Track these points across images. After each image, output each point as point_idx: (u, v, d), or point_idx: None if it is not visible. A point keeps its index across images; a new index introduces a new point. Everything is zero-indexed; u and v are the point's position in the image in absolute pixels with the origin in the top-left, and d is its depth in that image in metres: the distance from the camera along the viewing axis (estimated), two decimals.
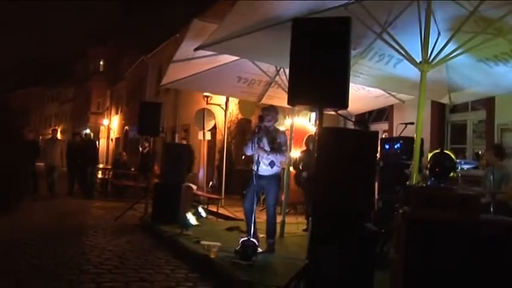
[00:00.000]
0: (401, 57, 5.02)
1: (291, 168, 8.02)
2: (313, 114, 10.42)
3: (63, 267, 4.87)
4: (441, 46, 4.75)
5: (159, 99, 17.58)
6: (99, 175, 15.57)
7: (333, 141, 3.78)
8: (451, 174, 4.75)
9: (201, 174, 14.15)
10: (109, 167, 18.42)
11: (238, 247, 4.99)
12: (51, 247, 5.86)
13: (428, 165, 4.27)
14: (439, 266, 2.99)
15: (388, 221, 4.53)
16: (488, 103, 8.26)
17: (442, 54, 4.73)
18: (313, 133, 7.68)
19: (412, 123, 6.04)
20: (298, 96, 3.83)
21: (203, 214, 8.49)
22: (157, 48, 22.68)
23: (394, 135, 7.78)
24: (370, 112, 10.97)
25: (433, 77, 5.61)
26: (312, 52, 3.74)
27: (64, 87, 48.55)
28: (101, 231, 7.30)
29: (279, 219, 6.35)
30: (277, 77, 7.38)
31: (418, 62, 4.72)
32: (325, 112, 3.94)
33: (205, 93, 13.67)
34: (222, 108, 14.19)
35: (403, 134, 6.54)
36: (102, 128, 38.09)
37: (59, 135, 14.98)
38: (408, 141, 6.43)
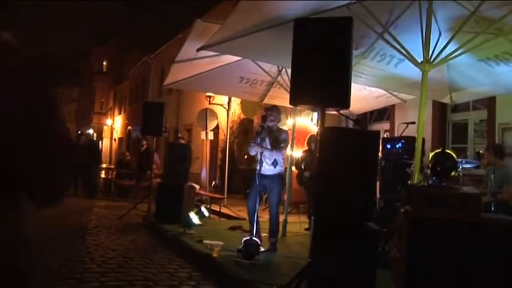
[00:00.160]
0: (402, 57, 5.03)
1: (293, 168, 8.04)
2: (315, 114, 10.41)
3: (67, 266, 4.91)
4: (442, 46, 4.77)
5: (162, 100, 17.57)
6: (103, 175, 15.63)
7: (334, 141, 3.81)
8: (453, 173, 4.75)
9: (204, 173, 14.17)
10: (112, 166, 18.47)
11: (241, 246, 5.02)
12: (55, 246, 5.90)
13: (430, 165, 4.28)
14: (441, 264, 3.01)
15: (389, 220, 4.54)
16: (489, 102, 8.26)
17: (443, 54, 4.75)
18: (315, 133, 7.69)
19: (413, 123, 6.06)
20: (300, 96, 3.85)
21: (206, 213, 8.50)
22: (160, 49, 22.70)
23: (396, 134, 7.79)
24: (372, 112, 10.99)
25: (434, 77, 5.63)
26: (314, 52, 3.74)
27: (68, 88, 48.58)
28: (105, 231, 7.34)
29: (281, 218, 6.37)
30: (279, 77, 7.40)
31: (420, 61, 4.74)
32: (327, 112, 3.97)
33: (207, 94, 13.69)
34: (225, 108, 14.22)
35: (404, 134, 6.56)
36: (105, 128, 38.17)
37: None
38: (409, 141, 6.46)
